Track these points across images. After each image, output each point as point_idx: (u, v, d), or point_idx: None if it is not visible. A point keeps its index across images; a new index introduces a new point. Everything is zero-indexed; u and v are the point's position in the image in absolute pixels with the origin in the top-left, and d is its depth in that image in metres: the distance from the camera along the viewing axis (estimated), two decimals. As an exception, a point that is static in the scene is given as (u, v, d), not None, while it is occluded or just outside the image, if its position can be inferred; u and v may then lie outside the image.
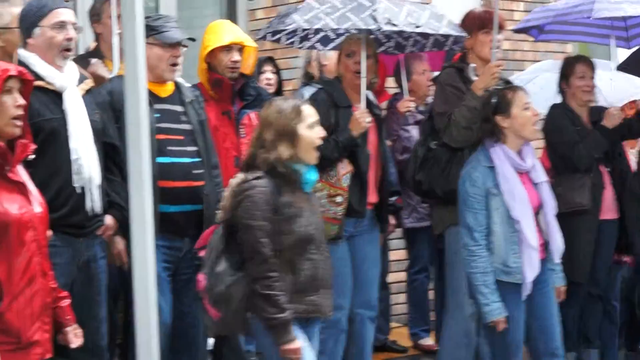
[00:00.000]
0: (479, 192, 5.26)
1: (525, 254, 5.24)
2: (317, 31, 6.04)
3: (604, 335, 6.94)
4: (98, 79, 5.34)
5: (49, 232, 4.61)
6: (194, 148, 5.40)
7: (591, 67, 6.62)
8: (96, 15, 5.96)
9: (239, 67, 5.87)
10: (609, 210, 6.64)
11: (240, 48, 5.90)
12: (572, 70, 6.60)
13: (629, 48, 7.36)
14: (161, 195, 5.18)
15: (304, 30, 5.95)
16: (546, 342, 5.42)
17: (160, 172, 5.15)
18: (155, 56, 5.28)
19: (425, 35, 6.08)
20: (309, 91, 6.54)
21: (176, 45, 5.37)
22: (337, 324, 5.67)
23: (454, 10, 6.68)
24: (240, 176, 4.52)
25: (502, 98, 5.37)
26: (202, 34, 6.09)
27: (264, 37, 6.01)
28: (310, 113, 4.60)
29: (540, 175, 5.43)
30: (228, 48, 5.83)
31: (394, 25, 5.64)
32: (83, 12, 6.65)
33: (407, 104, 7.02)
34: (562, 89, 6.69)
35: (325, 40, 6.19)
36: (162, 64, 5.33)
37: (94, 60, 5.51)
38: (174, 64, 5.38)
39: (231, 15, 8.24)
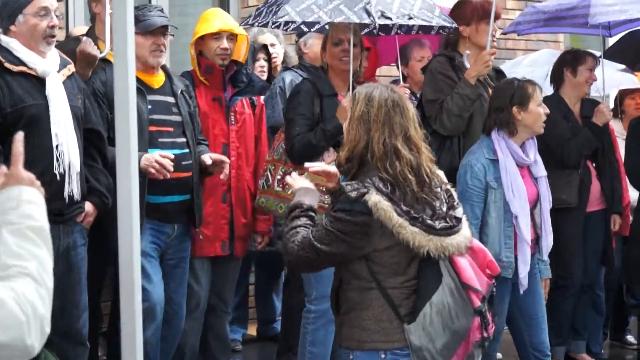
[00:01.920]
0: (479, 185, 5.24)
1: (519, 249, 5.24)
2: None
3: (590, 326, 6.97)
4: (88, 57, 5.34)
5: None
6: (183, 139, 5.45)
7: (597, 62, 6.65)
8: None
9: (229, 55, 5.87)
10: (595, 202, 6.66)
11: (232, 36, 5.90)
12: (585, 60, 6.60)
13: (610, 36, 7.36)
14: (151, 187, 5.23)
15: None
16: (532, 336, 5.42)
17: None
18: (137, 45, 5.27)
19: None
20: (289, 76, 6.56)
21: (158, 33, 5.39)
22: (326, 314, 5.67)
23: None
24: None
25: (523, 91, 5.33)
26: (194, 22, 6.09)
27: (252, 25, 5.96)
28: None
29: (541, 170, 5.41)
30: (217, 35, 5.83)
31: (388, 18, 5.61)
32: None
33: (402, 90, 6.98)
34: (563, 77, 6.66)
35: (310, 23, 6.14)
36: (144, 51, 5.36)
37: (84, 38, 5.51)
38: (157, 50, 5.40)
39: (223, 3, 8.22)
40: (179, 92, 5.52)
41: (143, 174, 4.91)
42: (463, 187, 5.25)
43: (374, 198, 3.63)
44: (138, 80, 5.25)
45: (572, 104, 6.66)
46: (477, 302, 3.71)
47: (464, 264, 3.75)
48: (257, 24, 5.83)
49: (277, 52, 7.23)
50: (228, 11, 7.93)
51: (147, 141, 5.27)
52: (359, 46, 5.83)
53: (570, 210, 6.48)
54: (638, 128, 6.84)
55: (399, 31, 6.25)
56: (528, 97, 5.29)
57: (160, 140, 5.37)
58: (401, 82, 7.04)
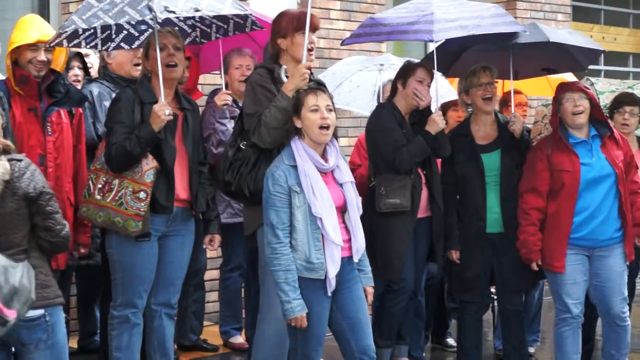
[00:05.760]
0: (282, 190, 5.29)
1: (327, 250, 5.30)
2: (120, 30, 6.00)
3: (411, 330, 7.11)
4: None
5: None
6: None
7: (431, 75, 6.72)
8: None
9: (45, 66, 5.75)
10: (423, 209, 6.77)
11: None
12: (414, 72, 6.69)
13: (432, 41, 7.36)
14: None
15: (103, 30, 5.90)
16: (357, 340, 5.43)
17: None
18: None
19: (225, 20, 6.12)
20: (96, 88, 6.61)
21: None
22: (128, 319, 5.82)
23: (272, 10, 6.68)
24: None
25: (297, 99, 5.44)
26: (12, 27, 5.95)
27: (59, 44, 5.80)
28: None
29: (345, 176, 5.47)
30: (34, 46, 5.71)
31: (172, 12, 5.63)
32: None
33: (224, 97, 7.03)
34: (395, 88, 6.77)
35: (129, 39, 6.10)
36: None
37: None
38: None
39: (43, 8, 8.06)
40: None
41: None
42: (267, 194, 5.34)
43: None
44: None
45: (405, 113, 6.76)
46: None
47: None
48: (60, 42, 5.72)
49: (92, 62, 7.15)
50: (48, 17, 7.80)
51: None
52: (181, 51, 5.85)
53: (403, 215, 6.58)
54: (452, 141, 6.93)
55: (217, 35, 6.27)
56: (300, 105, 5.40)
57: None
58: (223, 89, 7.08)
